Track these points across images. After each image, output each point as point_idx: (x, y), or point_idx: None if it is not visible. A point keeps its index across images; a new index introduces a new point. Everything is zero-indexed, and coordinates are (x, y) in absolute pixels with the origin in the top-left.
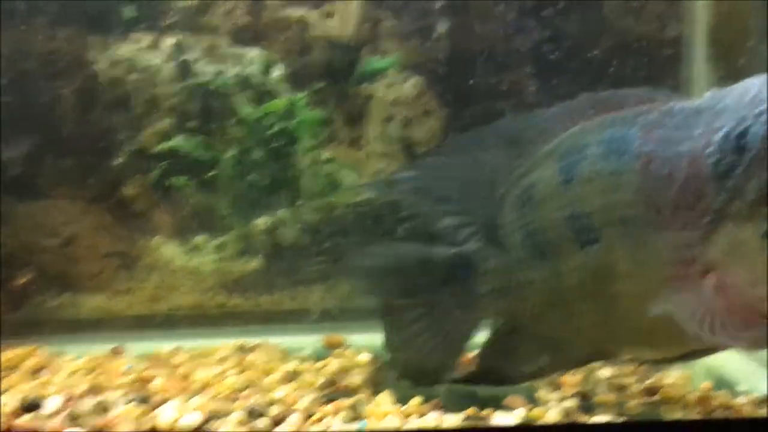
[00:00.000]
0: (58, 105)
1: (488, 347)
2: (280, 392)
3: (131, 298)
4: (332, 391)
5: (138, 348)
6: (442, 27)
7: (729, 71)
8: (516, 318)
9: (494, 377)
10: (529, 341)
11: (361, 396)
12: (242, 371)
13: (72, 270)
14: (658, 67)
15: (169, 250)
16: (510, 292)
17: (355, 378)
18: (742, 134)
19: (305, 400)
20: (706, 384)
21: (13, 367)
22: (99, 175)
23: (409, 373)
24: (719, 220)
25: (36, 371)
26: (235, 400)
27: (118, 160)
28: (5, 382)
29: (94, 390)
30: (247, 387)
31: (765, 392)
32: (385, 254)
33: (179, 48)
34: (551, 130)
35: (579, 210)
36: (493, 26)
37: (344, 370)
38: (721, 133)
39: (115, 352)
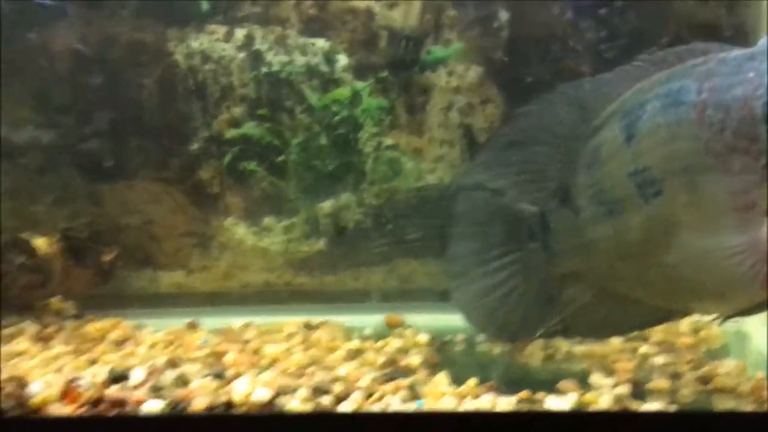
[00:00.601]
0: (141, 93)
1: (566, 306)
2: (342, 370)
3: (206, 276)
4: (392, 370)
5: (212, 323)
6: (503, 17)
7: None
8: (590, 277)
9: (572, 332)
10: (603, 300)
11: (418, 376)
12: (308, 348)
13: (152, 248)
14: None
15: (240, 231)
16: (583, 251)
17: (414, 358)
18: None
19: (366, 379)
20: (760, 374)
21: (100, 339)
22: (177, 159)
23: (500, 332)
24: None
25: (120, 343)
26: (301, 376)
27: (195, 146)
28: (94, 352)
29: (173, 362)
30: (312, 363)
31: None
32: (480, 199)
33: (250, 39)
34: (614, 92)
35: (642, 164)
36: (553, 16)
37: (403, 350)
38: None
39: (191, 326)
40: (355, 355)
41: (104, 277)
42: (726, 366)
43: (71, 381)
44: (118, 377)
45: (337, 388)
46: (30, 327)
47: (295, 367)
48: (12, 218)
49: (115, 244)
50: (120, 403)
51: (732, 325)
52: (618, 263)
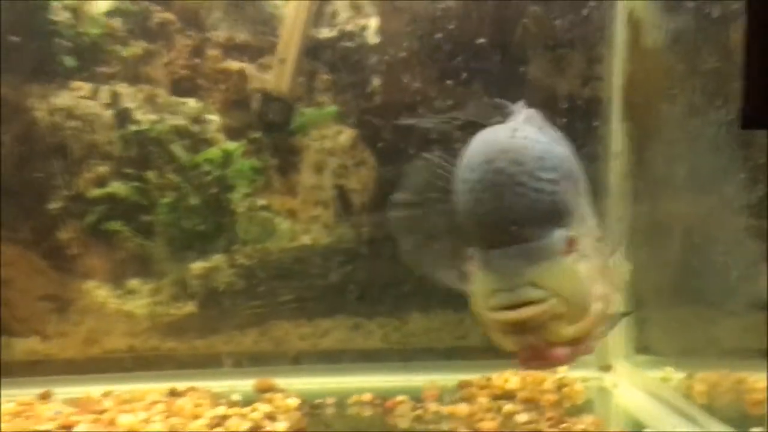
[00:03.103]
0: None
1: None
2: None
3: (64, 342)
4: None
5: (70, 392)
6: (375, 82)
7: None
8: None
9: None
10: None
11: None
12: (168, 416)
13: (6, 313)
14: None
15: (102, 294)
16: None
17: (280, 424)
18: None
19: None
20: (616, 430)
21: None
22: (35, 219)
23: None
24: None
25: None
26: None
27: (54, 205)
28: None
29: None
30: None
31: None
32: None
33: (117, 96)
34: None
35: None
36: (420, 81)
37: (270, 416)
38: None
39: (43, 396)
40: (219, 422)
41: None
42: (584, 422)
43: None
44: None
45: None
46: None
47: None
48: None
49: None
50: None
51: (595, 381)
52: None
